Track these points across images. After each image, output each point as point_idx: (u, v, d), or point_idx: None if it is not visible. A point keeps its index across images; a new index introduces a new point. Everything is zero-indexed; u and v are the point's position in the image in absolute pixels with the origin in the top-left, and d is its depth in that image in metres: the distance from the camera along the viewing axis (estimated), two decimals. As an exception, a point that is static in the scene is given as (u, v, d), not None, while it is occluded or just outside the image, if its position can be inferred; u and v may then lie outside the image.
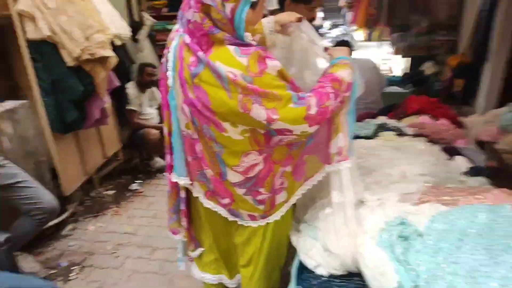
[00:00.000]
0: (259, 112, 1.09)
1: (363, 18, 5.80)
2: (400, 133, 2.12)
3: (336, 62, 1.26)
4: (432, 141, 2.20)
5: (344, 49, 1.29)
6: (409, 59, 5.90)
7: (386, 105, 4.25)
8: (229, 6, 1.07)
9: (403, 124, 2.43)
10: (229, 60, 1.07)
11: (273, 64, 1.09)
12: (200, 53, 1.09)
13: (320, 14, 10.17)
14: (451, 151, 1.99)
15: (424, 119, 2.42)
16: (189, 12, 1.10)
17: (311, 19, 1.88)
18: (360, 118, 2.98)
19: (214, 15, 1.08)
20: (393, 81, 5.03)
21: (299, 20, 1.35)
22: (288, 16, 1.36)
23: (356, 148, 1.89)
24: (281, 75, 1.12)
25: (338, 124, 1.25)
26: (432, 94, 4.62)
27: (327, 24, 13.82)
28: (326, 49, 1.35)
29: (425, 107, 2.59)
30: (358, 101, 3.29)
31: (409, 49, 5.54)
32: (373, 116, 2.96)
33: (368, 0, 5.64)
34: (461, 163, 1.85)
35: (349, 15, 8.18)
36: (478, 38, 4.06)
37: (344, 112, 1.26)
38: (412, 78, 5.17)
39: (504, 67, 3.80)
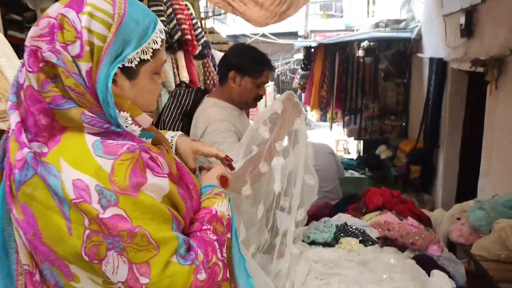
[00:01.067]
0: (116, 267, 0.63)
1: (315, 100, 5.84)
2: (364, 239, 1.75)
3: (207, 191, 0.87)
4: (402, 247, 1.84)
5: (215, 173, 0.90)
6: (362, 142, 5.90)
7: (343, 191, 4.03)
8: (84, 67, 0.67)
9: (365, 223, 2.08)
10: (80, 159, 0.65)
11: (159, 182, 0.68)
12: (26, 150, 0.66)
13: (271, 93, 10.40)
14: (427, 264, 1.63)
15: (389, 217, 2.10)
16: (21, 73, 0.69)
17: (259, 97, 1.66)
18: (317, 210, 2.63)
19: (64, 80, 0.66)
20: (350, 164, 4.89)
21: (228, 162, 1.02)
22: (209, 149, 1.00)
23: (314, 260, 1.49)
24: (169, 201, 0.71)
25: None
26: (390, 181, 4.49)
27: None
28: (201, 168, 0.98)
29: (388, 201, 2.30)
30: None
31: (361, 132, 5.56)
32: (331, 208, 2.62)
33: (319, 83, 5.72)
34: (442, 281, 1.49)
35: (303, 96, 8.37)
36: (427, 124, 4.06)
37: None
38: (368, 161, 5.06)
39: (458, 154, 3.75)
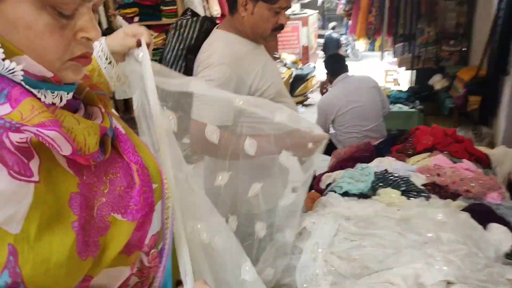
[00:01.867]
0: None
1: (362, 27, 5.28)
2: (407, 189, 1.52)
3: None
4: (454, 194, 1.60)
5: None
6: (414, 71, 5.35)
7: (390, 128, 3.71)
8: None
9: (412, 167, 1.84)
10: None
11: (8, 188, 0.45)
12: None
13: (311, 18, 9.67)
14: (483, 216, 1.39)
15: (440, 159, 1.84)
16: None
17: (278, 27, 1.34)
18: (357, 151, 2.41)
19: None
20: (398, 97, 4.45)
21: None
22: (138, 29, 0.83)
23: (345, 217, 1.32)
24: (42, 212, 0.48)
25: None
26: (444, 114, 4.06)
27: (328, 33, 13.38)
28: None
29: (440, 141, 2.01)
30: (354, 127, 2.76)
31: (414, 61, 5.00)
32: (372, 149, 2.38)
33: (367, 7, 5.12)
34: (501, 236, 1.26)
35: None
36: (494, 47, 3.49)
37: None
38: (419, 93, 4.59)
39: (529, 82, 3.23)
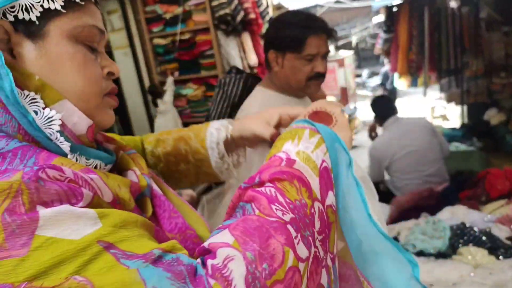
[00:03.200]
0: None
1: (403, 64, 5.14)
2: (493, 246, 1.28)
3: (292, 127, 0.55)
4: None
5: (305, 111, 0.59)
6: (465, 107, 5.05)
7: (448, 169, 3.41)
8: None
9: (489, 217, 1.59)
10: None
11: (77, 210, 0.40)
12: None
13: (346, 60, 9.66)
14: None
15: (525, 208, 1.57)
16: None
17: (314, 75, 1.21)
18: (420, 200, 2.17)
19: None
20: (452, 136, 4.15)
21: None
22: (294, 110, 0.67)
23: (426, 283, 1.10)
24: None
25: None
26: (507, 151, 3.71)
27: (365, 73, 13.35)
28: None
29: (519, 186, 1.75)
30: (413, 173, 2.53)
31: (464, 95, 4.74)
32: (438, 196, 2.13)
33: (407, 45, 5.00)
34: None
35: (387, 63, 7.57)
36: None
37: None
38: (475, 129, 4.27)
39: None
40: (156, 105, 4.29)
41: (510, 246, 1.37)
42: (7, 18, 0.46)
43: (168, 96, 4.25)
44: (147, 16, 4.27)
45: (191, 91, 4.32)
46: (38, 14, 0.47)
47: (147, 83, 4.49)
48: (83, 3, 0.51)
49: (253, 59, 4.26)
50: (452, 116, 6.48)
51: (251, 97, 1.28)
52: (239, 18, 3.86)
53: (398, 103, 9.41)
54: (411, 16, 4.93)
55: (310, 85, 1.24)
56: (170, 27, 4.16)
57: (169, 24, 4.16)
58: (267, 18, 4.56)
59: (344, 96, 8.58)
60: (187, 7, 4.04)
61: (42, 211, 0.37)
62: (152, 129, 4.42)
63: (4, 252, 0.34)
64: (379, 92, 10.21)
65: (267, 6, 4.92)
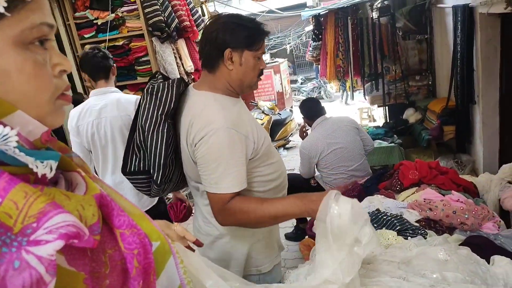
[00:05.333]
0: None
1: (331, 70, 5.49)
2: (403, 228, 1.48)
3: None
4: (448, 229, 1.58)
5: None
6: (387, 107, 5.53)
7: (373, 163, 3.74)
8: None
9: (402, 204, 1.82)
10: None
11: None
12: None
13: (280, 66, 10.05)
14: (484, 248, 1.36)
15: (429, 193, 1.83)
16: None
17: (260, 72, 1.35)
18: (345, 192, 2.38)
19: None
20: (376, 133, 4.56)
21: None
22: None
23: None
24: None
25: None
26: (422, 145, 4.15)
27: (299, 78, 13.88)
28: None
29: (426, 175, 2.02)
30: (339, 168, 2.76)
31: (385, 98, 5.20)
32: (360, 188, 2.37)
33: (334, 52, 5.36)
34: (507, 269, 1.22)
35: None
36: (458, 79, 3.67)
37: None
38: (395, 128, 4.71)
39: (497, 107, 3.38)
40: None
41: (417, 227, 1.59)
42: None
43: None
44: (77, 21, 4.13)
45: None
46: None
47: (81, 90, 4.32)
48: (34, 3, 0.45)
49: (189, 65, 4.31)
50: (378, 116, 7.04)
51: (204, 103, 1.27)
52: (173, 25, 3.90)
53: (331, 106, 10.02)
54: (337, 25, 5.28)
55: (257, 83, 1.37)
56: (102, 34, 4.07)
57: (102, 30, 4.07)
58: (202, 25, 4.65)
59: (281, 100, 8.93)
60: (120, 14, 3.99)
61: None
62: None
63: None
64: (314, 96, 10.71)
65: (201, 14, 5.00)
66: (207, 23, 1.35)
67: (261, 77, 1.39)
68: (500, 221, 1.61)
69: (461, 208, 1.60)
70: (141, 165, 1.35)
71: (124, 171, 1.39)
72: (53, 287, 0.40)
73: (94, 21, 4.07)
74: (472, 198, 1.84)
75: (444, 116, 3.90)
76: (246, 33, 1.26)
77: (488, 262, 1.29)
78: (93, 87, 2.34)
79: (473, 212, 1.56)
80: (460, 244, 1.43)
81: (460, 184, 1.97)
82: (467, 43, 3.42)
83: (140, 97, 1.39)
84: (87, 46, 4.17)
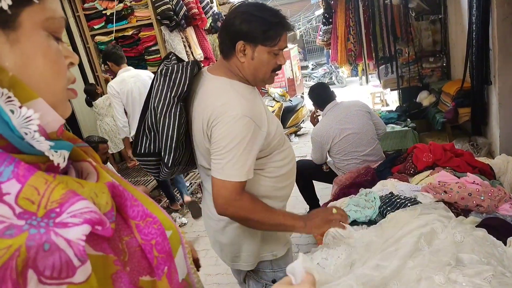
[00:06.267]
0: None
1: (343, 55, 5.42)
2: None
3: None
4: (465, 210, 1.56)
5: None
6: (400, 91, 5.43)
7: (386, 148, 3.69)
8: None
9: (416, 187, 1.80)
10: None
11: None
12: None
13: (291, 54, 9.94)
14: (500, 230, 1.34)
15: (444, 176, 1.80)
16: None
17: (277, 67, 1.31)
18: (358, 177, 2.37)
19: None
20: (389, 118, 4.49)
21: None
22: None
23: (357, 248, 1.25)
24: None
25: None
26: (437, 129, 4.08)
27: (310, 64, 13.74)
28: None
29: (440, 158, 1.98)
30: (352, 153, 2.74)
31: (399, 81, 5.09)
32: (373, 172, 2.34)
33: (345, 36, 5.26)
34: (523, 251, 1.20)
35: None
36: (473, 61, 3.57)
37: None
38: (409, 112, 4.64)
39: (514, 88, 3.28)
40: (90, 105, 4.18)
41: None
42: None
43: (103, 100, 4.13)
44: (86, 12, 4.15)
45: (138, 88, 4.27)
46: (10, 2, 0.43)
47: (93, 81, 4.37)
48: None
49: (199, 53, 4.30)
50: (391, 100, 6.93)
51: (221, 88, 1.25)
52: (181, 13, 3.88)
53: (343, 91, 9.90)
54: (347, 8, 5.18)
55: (272, 76, 1.33)
56: (112, 24, 4.09)
57: (111, 21, 4.08)
58: (210, 12, 4.61)
59: (292, 86, 8.86)
60: (128, 3, 3.98)
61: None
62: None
63: None
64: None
65: (211, 2, 4.96)
66: (232, 9, 1.30)
67: (277, 71, 1.35)
68: (517, 203, 1.58)
69: (477, 190, 1.57)
70: (152, 147, 1.35)
71: (135, 152, 1.39)
72: (86, 274, 0.41)
73: (103, 12, 4.08)
74: (488, 180, 1.80)
75: (459, 98, 3.82)
76: (264, 27, 1.22)
77: (505, 244, 1.27)
78: (114, 73, 3.49)
79: (489, 194, 1.53)
80: (477, 226, 1.41)
81: (476, 166, 1.93)
82: (482, 21, 3.31)
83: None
84: (98, 37, 4.20)
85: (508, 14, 3.14)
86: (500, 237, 1.29)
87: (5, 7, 0.43)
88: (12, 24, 0.44)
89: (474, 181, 1.67)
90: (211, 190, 1.35)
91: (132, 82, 3.33)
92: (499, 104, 3.42)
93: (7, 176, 0.41)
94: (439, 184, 1.71)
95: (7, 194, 0.40)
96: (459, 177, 1.78)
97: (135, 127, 2.51)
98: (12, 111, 0.42)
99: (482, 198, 1.53)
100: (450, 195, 1.59)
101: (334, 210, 1.27)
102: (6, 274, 0.36)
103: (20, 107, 0.43)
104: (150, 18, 3.96)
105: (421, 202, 1.60)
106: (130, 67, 3.46)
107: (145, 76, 3.43)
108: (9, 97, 0.42)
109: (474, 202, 1.54)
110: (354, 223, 1.50)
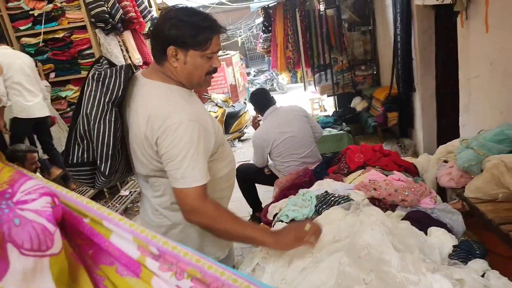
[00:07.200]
0: None
1: (282, 62, 5.59)
2: (348, 206, 1.56)
3: None
4: (391, 206, 1.68)
5: None
6: (336, 97, 5.72)
7: (324, 151, 3.87)
8: None
9: (349, 186, 1.91)
10: None
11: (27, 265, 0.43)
12: None
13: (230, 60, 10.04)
14: (422, 221, 1.48)
15: (373, 174, 1.94)
16: None
17: (212, 70, 1.31)
18: (297, 178, 2.46)
19: None
20: (326, 122, 4.72)
21: None
22: None
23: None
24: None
25: None
26: (369, 132, 4.36)
27: (252, 71, 13.94)
28: None
29: (370, 157, 2.13)
30: (291, 156, 2.83)
31: (334, 88, 5.37)
32: (311, 174, 2.45)
33: (283, 44, 5.45)
34: (442, 238, 1.33)
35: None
36: (399, 68, 3.88)
37: None
38: (344, 116, 4.91)
39: (434, 94, 3.62)
40: None
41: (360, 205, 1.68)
42: None
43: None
44: (10, 12, 3.85)
45: (71, 92, 4.05)
46: None
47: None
48: None
49: (137, 58, 4.18)
50: (328, 106, 7.27)
51: (160, 94, 1.24)
52: (117, 16, 3.76)
53: (283, 98, 10.19)
54: (285, 17, 5.36)
55: (207, 80, 1.32)
56: (40, 25, 3.83)
57: (39, 22, 3.83)
58: (149, 17, 4.52)
59: (234, 92, 8.93)
60: (59, 4, 3.77)
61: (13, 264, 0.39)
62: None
63: None
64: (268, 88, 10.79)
65: (150, 6, 4.86)
66: (161, 14, 1.28)
67: (212, 74, 1.33)
68: (436, 197, 1.74)
69: (402, 186, 1.71)
70: (85, 156, 1.28)
71: (67, 162, 1.31)
72: (59, 237, 0.45)
73: (30, 12, 3.82)
74: (412, 177, 1.97)
75: (387, 103, 4.12)
76: (193, 31, 1.20)
77: (426, 234, 1.39)
78: None
79: (412, 189, 1.68)
80: (402, 219, 1.53)
81: (402, 165, 2.10)
82: (405, 33, 3.62)
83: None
84: (24, 39, 3.91)
85: (427, 28, 3.46)
86: (422, 228, 1.42)
87: None
88: None
89: (399, 178, 1.82)
90: (150, 196, 1.32)
91: (12, 56, 3.37)
92: (422, 109, 3.74)
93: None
94: (369, 182, 1.83)
95: None
96: (387, 175, 1.92)
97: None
98: None
99: (406, 193, 1.67)
100: (379, 192, 1.71)
101: (308, 227, 1.20)
102: None
103: None
104: (84, 20, 3.77)
105: (353, 199, 1.70)
106: (8, 47, 3.52)
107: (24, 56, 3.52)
108: None
109: (400, 197, 1.67)
110: (292, 221, 1.56)
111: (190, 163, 1.18)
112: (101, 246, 0.52)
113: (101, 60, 1.31)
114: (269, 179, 2.93)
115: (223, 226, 1.21)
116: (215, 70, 1.33)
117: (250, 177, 3.09)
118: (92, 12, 3.69)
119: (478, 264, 1.17)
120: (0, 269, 0.38)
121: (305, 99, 8.31)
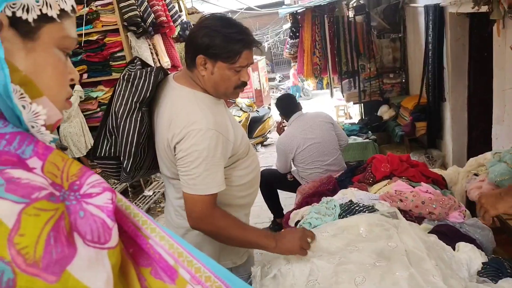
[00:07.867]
0: None
1: (308, 68, 5.56)
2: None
3: None
4: (418, 218, 1.64)
5: None
6: (362, 105, 5.64)
7: (348, 159, 3.82)
8: None
9: (374, 196, 1.87)
10: None
11: (97, 256, 0.47)
12: None
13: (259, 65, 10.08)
14: (450, 236, 1.43)
15: (400, 185, 1.89)
16: None
17: (241, 84, 1.30)
18: (320, 186, 2.43)
19: None
20: (351, 130, 4.66)
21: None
22: None
23: (317, 255, 1.28)
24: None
25: None
26: (396, 141, 4.27)
27: (278, 76, 13.97)
28: None
29: (397, 168, 2.08)
30: (315, 163, 2.81)
31: (361, 95, 5.30)
32: (335, 182, 2.42)
33: (311, 50, 5.42)
34: (471, 255, 1.28)
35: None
36: (430, 78, 3.79)
37: None
38: (370, 124, 4.83)
39: (466, 104, 3.51)
40: None
41: (385, 216, 1.64)
42: (5, 12, 0.46)
43: (74, 99, 4.02)
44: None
45: (102, 93, 4.17)
46: (35, 17, 0.49)
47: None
48: (72, 15, 0.55)
49: (166, 61, 4.27)
50: (354, 113, 7.17)
51: (186, 99, 1.24)
52: (149, 20, 3.85)
53: (309, 104, 10.14)
54: (314, 23, 5.34)
55: (235, 92, 1.31)
56: (78, 28, 3.98)
57: (77, 25, 3.97)
58: (179, 21, 4.61)
59: (259, 97, 8.96)
60: (94, 8, 3.90)
61: (80, 250, 0.43)
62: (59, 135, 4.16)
63: (36, 270, 0.39)
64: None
65: (180, 10, 4.96)
66: (198, 21, 1.28)
67: (242, 88, 1.33)
68: (465, 211, 1.68)
69: (429, 198, 1.66)
70: (112, 151, 1.33)
71: (94, 154, 1.36)
72: (117, 232, 0.48)
73: (67, 15, 3.97)
74: (440, 189, 1.91)
75: (416, 112, 4.02)
76: (224, 43, 1.19)
77: (454, 249, 1.35)
78: None
79: (441, 202, 1.63)
80: (429, 232, 1.49)
81: (429, 177, 2.04)
82: (437, 41, 3.54)
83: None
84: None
85: (460, 36, 3.37)
86: (449, 243, 1.38)
87: (30, 20, 0.49)
88: (32, 35, 0.50)
89: (427, 190, 1.77)
90: (172, 197, 1.34)
91: None
92: (451, 120, 3.64)
93: (29, 154, 0.46)
94: (395, 193, 1.79)
95: (34, 169, 0.45)
96: (414, 187, 1.87)
97: None
98: (24, 107, 0.47)
99: (434, 206, 1.62)
100: (405, 203, 1.67)
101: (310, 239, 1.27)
102: (59, 231, 0.42)
103: (31, 103, 0.48)
104: (117, 24, 3.89)
105: (378, 210, 1.67)
106: None
107: None
108: (22, 93, 0.47)
109: (427, 210, 1.62)
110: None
111: (204, 171, 1.19)
112: (142, 247, 0.54)
113: (135, 61, 1.36)
114: (292, 185, 2.92)
115: (229, 234, 1.23)
116: (244, 84, 1.32)
117: (272, 183, 3.08)
118: (125, 16, 3.80)
119: (509, 283, 1.12)
120: (70, 252, 0.41)
121: (330, 105, 8.24)
